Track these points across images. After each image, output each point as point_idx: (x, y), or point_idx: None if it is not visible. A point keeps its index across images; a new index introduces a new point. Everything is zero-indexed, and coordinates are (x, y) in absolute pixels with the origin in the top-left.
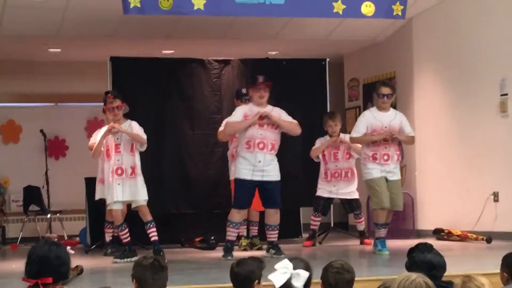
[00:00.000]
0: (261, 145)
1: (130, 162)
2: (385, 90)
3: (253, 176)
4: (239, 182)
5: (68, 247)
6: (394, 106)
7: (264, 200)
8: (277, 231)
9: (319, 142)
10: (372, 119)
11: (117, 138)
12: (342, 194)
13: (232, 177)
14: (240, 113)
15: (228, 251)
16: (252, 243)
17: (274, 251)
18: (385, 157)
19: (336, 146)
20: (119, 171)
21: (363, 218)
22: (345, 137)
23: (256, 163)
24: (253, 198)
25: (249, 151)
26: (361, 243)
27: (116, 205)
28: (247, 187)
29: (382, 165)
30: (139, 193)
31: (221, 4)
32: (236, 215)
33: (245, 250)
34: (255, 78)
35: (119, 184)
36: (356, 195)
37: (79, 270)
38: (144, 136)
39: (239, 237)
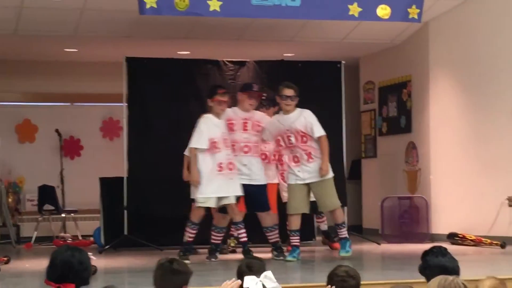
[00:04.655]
0: (246, 149)
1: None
2: (288, 91)
3: (240, 180)
4: None
5: (90, 253)
6: (409, 109)
7: (251, 205)
8: (276, 231)
9: None
10: (276, 123)
11: (223, 132)
12: None
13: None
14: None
15: (212, 253)
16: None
17: (277, 253)
18: (295, 159)
19: None
20: (231, 166)
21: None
22: None
23: (241, 166)
24: (240, 201)
25: (233, 154)
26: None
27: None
28: None
29: (294, 168)
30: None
31: (237, 5)
32: (222, 220)
33: (233, 251)
34: (251, 86)
35: (231, 179)
36: None
37: (93, 271)
38: None
39: (226, 239)
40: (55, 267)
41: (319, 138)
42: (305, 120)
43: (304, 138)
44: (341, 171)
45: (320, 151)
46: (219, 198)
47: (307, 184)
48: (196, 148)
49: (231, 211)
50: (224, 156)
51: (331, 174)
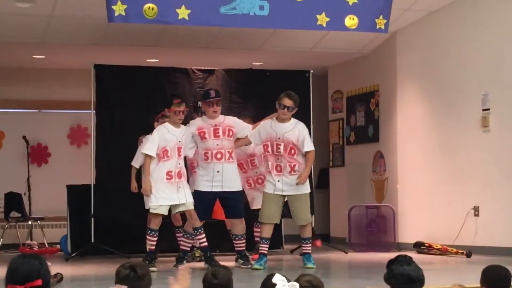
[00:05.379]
0: (219, 155)
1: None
2: (288, 102)
3: (212, 188)
4: (198, 194)
5: (48, 262)
6: (376, 118)
7: (226, 211)
8: (244, 240)
9: None
10: (268, 128)
11: (179, 141)
12: None
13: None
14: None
15: (180, 260)
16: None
17: (243, 261)
18: (278, 168)
19: None
20: (180, 174)
21: None
22: None
23: (215, 173)
24: (212, 209)
25: (207, 162)
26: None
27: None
28: (206, 199)
29: (275, 176)
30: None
31: (206, 14)
32: (191, 227)
33: (200, 260)
34: (208, 93)
35: (179, 187)
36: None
37: (59, 278)
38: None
39: (193, 248)
40: (16, 273)
41: (307, 152)
42: (299, 132)
43: (293, 151)
44: (309, 180)
45: (304, 164)
46: (173, 206)
47: (284, 196)
48: (150, 156)
49: (189, 217)
50: (174, 165)
51: (308, 189)
